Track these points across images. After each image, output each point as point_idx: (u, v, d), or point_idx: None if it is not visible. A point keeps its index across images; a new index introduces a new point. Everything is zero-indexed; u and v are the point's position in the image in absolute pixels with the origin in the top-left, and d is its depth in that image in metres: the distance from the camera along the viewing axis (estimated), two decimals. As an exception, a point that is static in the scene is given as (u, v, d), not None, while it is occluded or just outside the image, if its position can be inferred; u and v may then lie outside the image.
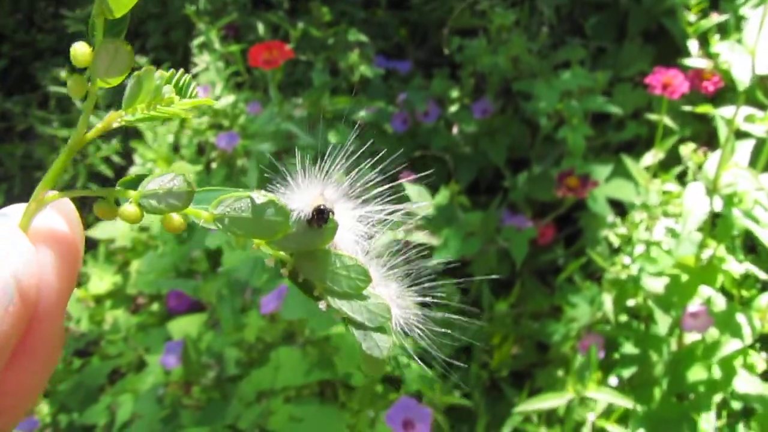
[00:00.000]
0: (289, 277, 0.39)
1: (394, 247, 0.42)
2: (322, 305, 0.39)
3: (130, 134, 2.57)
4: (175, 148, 2.32)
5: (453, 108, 2.06)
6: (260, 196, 0.36)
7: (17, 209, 0.35)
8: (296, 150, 0.40)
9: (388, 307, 0.39)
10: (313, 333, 1.43)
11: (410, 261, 0.42)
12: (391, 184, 0.41)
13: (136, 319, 2.02)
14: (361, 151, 0.41)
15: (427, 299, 0.41)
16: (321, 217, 0.37)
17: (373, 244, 0.40)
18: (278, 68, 1.91)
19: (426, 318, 0.41)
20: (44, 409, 2.01)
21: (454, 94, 2.10)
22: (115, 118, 0.37)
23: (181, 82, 0.38)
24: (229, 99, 2.21)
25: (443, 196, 1.59)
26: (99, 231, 2.20)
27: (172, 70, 0.38)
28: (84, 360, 2.06)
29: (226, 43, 2.33)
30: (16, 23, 3.48)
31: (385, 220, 0.41)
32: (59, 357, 0.36)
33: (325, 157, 0.40)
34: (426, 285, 0.42)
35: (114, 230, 2.18)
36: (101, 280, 2.21)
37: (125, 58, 0.36)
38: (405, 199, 0.42)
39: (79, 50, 0.36)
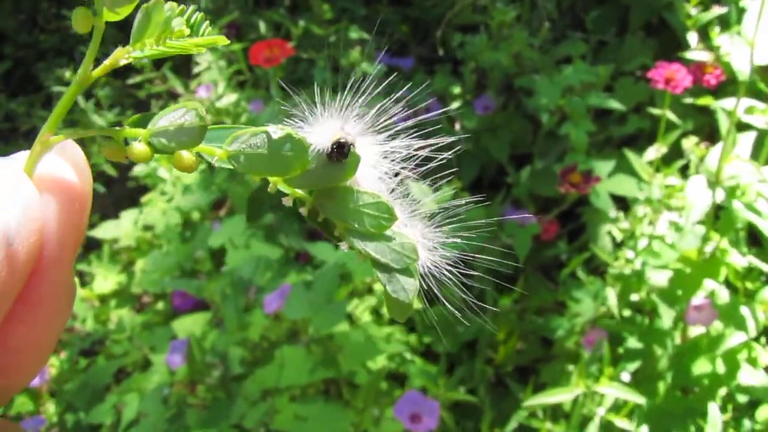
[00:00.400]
0: (308, 217, 0.37)
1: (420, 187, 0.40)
2: (343, 246, 0.37)
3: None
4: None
5: (455, 104, 2.06)
6: (277, 131, 0.34)
7: (24, 154, 0.34)
8: (314, 83, 0.38)
9: (414, 247, 0.36)
10: (317, 331, 1.43)
11: (438, 201, 0.40)
12: (415, 119, 0.39)
13: (141, 318, 2.03)
14: (382, 86, 0.39)
15: (456, 240, 0.39)
16: (341, 151, 0.35)
17: (398, 181, 0.38)
18: (279, 66, 1.91)
19: (453, 260, 0.39)
20: (50, 408, 2.02)
21: (456, 90, 2.10)
22: (122, 55, 0.35)
23: (193, 19, 0.36)
24: (231, 98, 2.22)
25: (446, 192, 1.58)
26: (102, 231, 2.20)
27: (182, 6, 0.36)
28: (90, 359, 2.06)
29: (227, 42, 2.32)
30: (19, 24, 3.49)
31: (411, 156, 0.38)
32: (69, 312, 0.35)
33: (346, 90, 0.38)
34: (454, 226, 0.39)
35: (118, 230, 2.19)
36: (106, 279, 2.22)
37: None
38: (429, 135, 0.40)
39: None
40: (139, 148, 0.34)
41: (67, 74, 2.27)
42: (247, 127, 0.35)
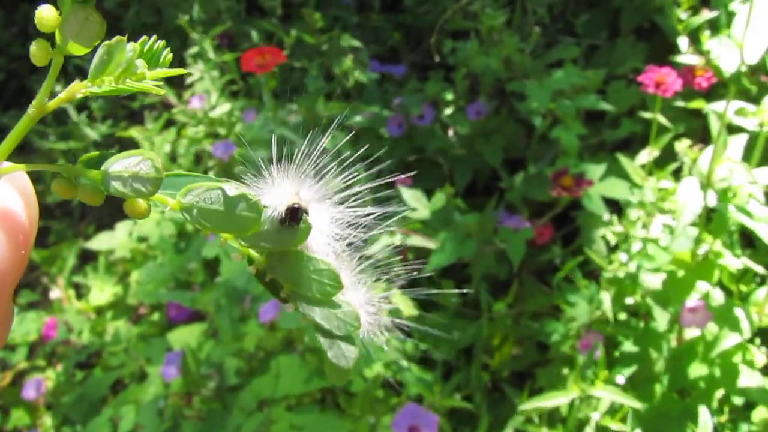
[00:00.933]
0: (256, 276, 0.38)
1: (365, 251, 0.40)
2: (288, 308, 0.38)
3: (124, 146, 2.58)
4: (173, 157, 2.32)
5: (448, 110, 2.06)
6: (232, 189, 0.34)
7: None
8: (272, 143, 0.38)
9: (357, 316, 0.37)
10: (312, 341, 1.43)
11: (384, 264, 0.41)
12: (369, 185, 0.40)
13: (137, 329, 2.02)
14: (345, 152, 0.40)
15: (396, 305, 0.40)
16: (294, 216, 0.36)
17: (346, 246, 0.39)
18: (272, 74, 1.91)
19: (397, 323, 0.40)
20: (47, 421, 2.02)
21: (449, 96, 2.11)
22: (79, 89, 0.35)
23: (154, 49, 0.36)
24: (224, 107, 2.22)
25: (439, 199, 1.59)
26: (98, 242, 2.20)
27: (144, 37, 0.36)
28: (86, 372, 2.06)
29: (220, 52, 2.33)
30: (11, 36, 3.49)
31: (361, 222, 0.39)
32: (3, 340, 0.34)
33: (303, 154, 0.38)
34: (404, 289, 0.40)
35: (113, 241, 2.19)
36: (102, 291, 2.22)
37: (96, 26, 0.34)
38: (386, 200, 0.41)
39: (45, 14, 0.34)
40: (89, 190, 0.35)
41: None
42: (204, 178, 0.36)
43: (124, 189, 0.34)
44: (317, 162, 0.38)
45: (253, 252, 0.37)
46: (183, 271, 1.90)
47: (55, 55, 0.34)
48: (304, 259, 0.37)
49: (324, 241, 0.38)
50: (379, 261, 0.41)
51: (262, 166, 0.38)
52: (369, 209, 0.39)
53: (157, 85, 0.36)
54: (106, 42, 0.34)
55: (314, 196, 0.38)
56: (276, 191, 0.37)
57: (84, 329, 2.12)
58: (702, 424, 1.05)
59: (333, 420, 1.35)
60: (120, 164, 0.34)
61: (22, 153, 3.03)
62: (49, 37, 0.35)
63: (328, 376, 0.38)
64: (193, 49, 2.27)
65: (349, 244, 0.39)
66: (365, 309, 0.39)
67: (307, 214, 0.36)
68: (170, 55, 0.37)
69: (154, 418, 1.52)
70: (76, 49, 0.34)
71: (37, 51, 0.34)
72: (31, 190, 0.35)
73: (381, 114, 2.03)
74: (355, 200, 0.39)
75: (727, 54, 1.14)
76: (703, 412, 1.06)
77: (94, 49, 0.35)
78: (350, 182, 0.39)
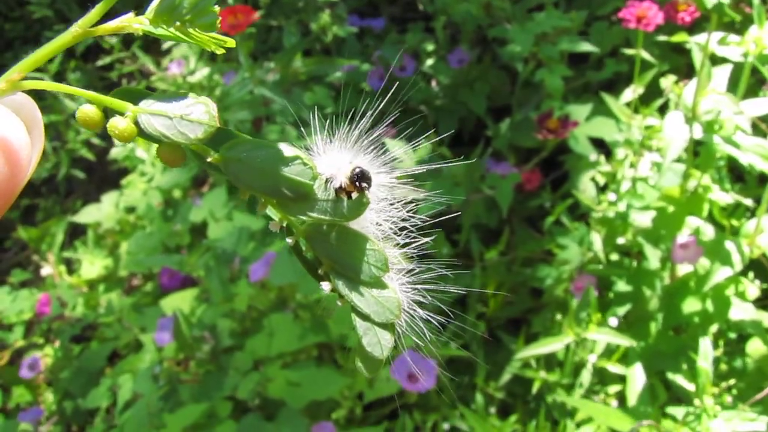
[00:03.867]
0: (292, 249, 0.35)
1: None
2: (325, 286, 0.35)
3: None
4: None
5: (429, 61, 2.03)
6: (287, 149, 0.32)
7: None
8: (314, 113, 0.36)
9: (399, 304, 0.35)
10: (304, 297, 1.42)
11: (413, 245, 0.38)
12: (416, 168, 0.37)
13: (130, 300, 2.02)
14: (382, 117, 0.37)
15: (427, 294, 0.37)
16: (358, 187, 0.33)
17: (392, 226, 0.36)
18: (249, 35, 1.87)
19: (425, 315, 0.37)
20: (49, 397, 2.02)
21: (430, 47, 2.07)
22: (133, 22, 0.32)
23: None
24: (203, 72, 2.18)
25: (424, 149, 1.57)
26: (84, 215, 2.18)
27: None
28: (83, 345, 2.06)
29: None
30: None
31: (404, 202, 0.36)
32: None
33: (353, 122, 0.36)
34: (427, 277, 0.37)
35: (100, 214, 2.17)
36: (92, 264, 2.20)
37: None
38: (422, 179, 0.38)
39: None
40: (121, 124, 0.31)
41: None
42: (252, 138, 0.33)
43: (167, 131, 0.31)
44: (361, 133, 0.36)
45: (295, 221, 0.35)
46: (172, 239, 1.88)
47: None
48: (350, 236, 0.34)
49: (372, 218, 0.35)
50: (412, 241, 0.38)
51: (306, 133, 0.35)
52: (415, 192, 0.37)
53: (217, 41, 0.33)
54: None
55: (368, 167, 0.35)
56: (330, 159, 0.34)
57: (77, 303, 2.11)
58: (702, 353, 1.05)
59: (330, 375, 1.35)
60: (166, 104, 0.31)
61: None
62: None
63: (360, 365, 0.36)
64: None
65: (395, 224, 0.36)
66: (403, 294, 0.36)
67: (369, 184, 0.34)
68: (169, 65, 0.34)
69: (151, 384, 1.52)
70: None
71: None
72: (37, 113, 0.33)
73: (361, 68, 2.00)
74: (402, 176, 0.36)
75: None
76: (703, 342, 1.06)
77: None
78: (393, 156, 0.36)
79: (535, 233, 1.81)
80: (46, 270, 2.36)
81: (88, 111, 0.31)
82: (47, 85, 0.32)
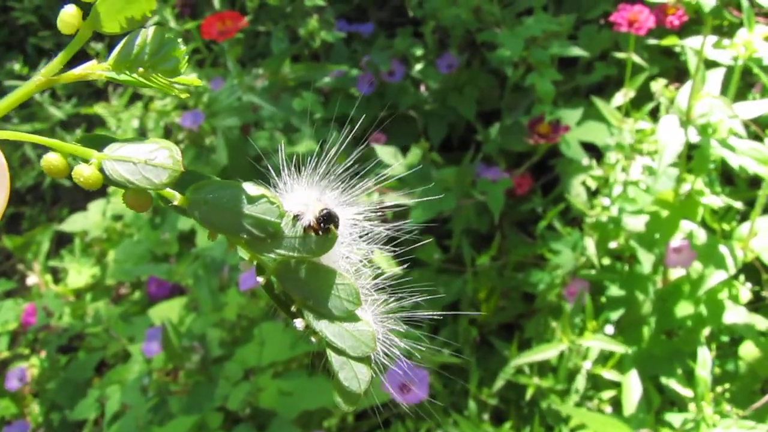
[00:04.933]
0: (264, 287, 0.35)
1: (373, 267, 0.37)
2: (298, 323, 0.35)
3: (93, 123, 2.52)
4: (142, 132, 2.27)
5: (418, 66, 2.02)
6: (252, 188, 0.32)
7: None
8: (281, 148, 0.36)
9: (373, 336, 0.34)
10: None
11: (389, 282, 0.37)
12: (385, 204, 0.38)
13: (117, 309, 1.99)
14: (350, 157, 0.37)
15: (404, 326, 0.37)
16: (326, 224, 0.33)
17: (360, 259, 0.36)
18: (236, 40, 1.85)
19: (405, 345, 0.37)
20: (35, 409, 1.99)
21: (419, 52, 2.06)
22: (96, 69, 0.32)
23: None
24: (190, 77, 2.16)
25: (415, 154, 1.56)
26: (71, 224, 2.15)
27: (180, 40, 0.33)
28: (70, 356, 2.03)
29: (181, 21, 2.26)
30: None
31: (374, 232, 0.36)
32: None
33: (319, 157, 0.36)
34: (404, 311, 0.37)
35: (86, 222, 2.14)
36: (79, 273, 2.17)
37: (147, 4, 0.31)
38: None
39: None
40: (86, 171, 0.31)
41: (17, 66, 2.20)
42: (217, 179, 0.33)
43: (132, 177, 0.31)
44: (329, 167, 0.36)
45: (264, 261, 0.35)
46: (160, 247, 1.86)
47: (85, 27, 0.31)
48: (320, 271, 0.34)
49: (342, 252, 0.35)
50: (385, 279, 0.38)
51: (272, 169, 0.35)
52: (382, 225, 0.37)
53: (181, 84, 0.34)
54: (145, 29, 0.32)
55: (335, 204, 0.35)
56: (297, 196, 0.35)
57: (64, 313, 2.08)
58: (701, 361, 1.05)
59: (321, 384, 1.33)
60: (129, 149, 0.31)
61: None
62: (84, 6, 0.32)
63: (337, 399, 0.36)
64: (154, 19, 2.20)
65: (364, 256, 0.37)
66: (378, 326, 0.36)
67: (337, 225, 0.34)
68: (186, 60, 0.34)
69: (140, 396, 1.49)
70: (110, 27, 0.31)
71: (68, 18, 0.31)
72: (2, 160, 0.32)
73: (350, 73, 1.98)
74: (369, 208, 0.36)
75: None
76: (701, 350, 1.06)
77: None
78: (360, 188, 0.37)
79: (526, 238, 1.80)
80: (31, 279, 2.33)
81: (52, 160, 0.32)
82: (12, 134, 0.32)
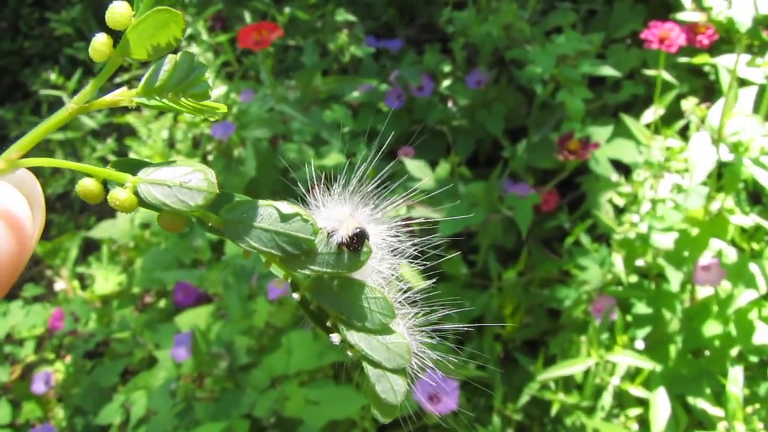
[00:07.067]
0: (300, 303, 0.36)
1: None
2: (335, 338, 0.35)
3: (123, 132, 2.55)
4: (171, 143, 2.30)
5: (446, 82, 2.04)
6: (287, 207, 0.33)
7: None
8: (310, 163, 0.38)
9: (409, 348, 0.35)
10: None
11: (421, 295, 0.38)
12: (413, 219, 0.39)
13: (144, 316, 2.01)
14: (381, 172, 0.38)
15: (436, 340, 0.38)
16: (359, 241, 0.34)
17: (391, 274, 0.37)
18: (269, 52, 1.88)
19: (436, 356, 0.38)
20: (59, 413, 2.01)
21: (447, 68, 2.08)
22: (128, 97, 0.33)
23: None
24: (220, 90, 2.19)
25: (443, 169, 1.57)
26: (99, 231, 2.18)
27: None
28: (95, 361, 2.05)
29: (213, 34, 2.30)
30: (2, 32, 3.45)
31: (403, 247, 0.37)
32: None
33: (350, 171, 0.37)
34: (435, 319, 0.38)
35: (114, 230, 2.17)
36: (106, 280, 2.20)
37: (175, 31, 0.32)
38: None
39: (118, 9, 0.32)
40: (121, 195, 0.32)
41: (53, 76, 2.24)
42: (250, 199, 0.34)
43: (167, 200, 0.32)
44: (360, 181, 0.37)
45: (299, 276, 0.35)
46: (187, 255, 1.88)
47: (115, 55, 0.32)
48: (354, 286, 0.35)
49: (374, 267, 0.36)
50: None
51: (308, 190, 0.36)
52: (410, 237, 0.38)
53: (210, 107, 0.34)
54: (173, 55, 0.33)
55: (367, 220, 0.36)
56: (330, 213, 0.35)
57: (90, 319, 2.11)
58: (732, 378, 1.04)
59: (348, 394, 1.34)
60: (164, 173, 0.32)
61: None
62: (114, 34, 0.33)
63: (375, 411, 0.36)
64: (186, 32, 2.24)
65: (394, 270, 0.37)
66: (411, 338, 0.37)
67: (368, 239, 0.35)
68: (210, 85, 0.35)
69: (167, 401, 1.50)
70: (140, 54, 0.32)
71: (99, 46, 0.32)
72: (38, 189, 0.34)
73: (379, 88, 2.00)
74: (397, 225, 0.37)
75: (739, 5, 1.11)
76: (733, 369, 1.05)
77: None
78: (390, 203, 0.38)
79: (551, 254, 1.80)
80: (59, 285, 2.36)
81: (87, 185, 0.33)
82: (46, 162, 0.33)
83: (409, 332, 0.37)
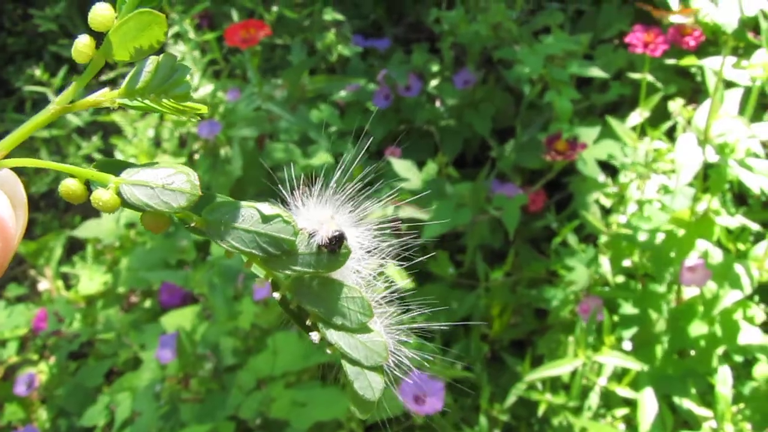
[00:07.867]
0: (280, 303, 0.37)
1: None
2: (314, 336, 0.36)
3: (109, 130, 2.53)
4: (157, 142, 2.28)
5: (434, 81, 2.03)
6: (267, 208, 0.33)
7: None
8: (290, 167, 0.38)
9: (386, 346, 0.36)
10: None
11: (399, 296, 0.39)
12: (399, 219, 0.39)
13: (129, 316, 1.99)
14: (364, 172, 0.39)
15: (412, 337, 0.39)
16: (339, 242, 0.35)
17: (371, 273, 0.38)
18: (256, 50, 1.87)
19: (416, 356, 0.39)
20: (43, 415, 1.99)
21: (435, 68, 2.08)
22: (110, 98, 0.34)
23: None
24: (207, 88, 2.18)
25: (431, 168, 1.56)
26: (84, 230, 2.16)
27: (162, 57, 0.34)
28: (79, 362, 2.03)
29: (200, 32, 2.28)
30: (-15, 29, 3.42)
31: (387, 247, 0.38)
32: None
33: (331, 175, 0.37)
34: (410, 319, 0.39)
35: (99, 229, 2.15)
36: (91, 280, 2.18)
37: (158, 33, 0.32)
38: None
39: (100, 12, 0.32)
40: (104, 196, 0.32)
41: (37, 72, 2.22)
42: (231, 200, 0.34)
43: (150, 201, 0.32)
44: (344, 182, 0.38)
45: (279, 276, 0.36)
46: (173, 255, 1.86)
47: (98, 56, 0.33)
48: (334, 285, 0.36)
49: (353, 267, 0.37)
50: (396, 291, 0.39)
51: (283, 188, 0.37)
52: (391, 239, 0.39)
53: (192, 108, 0.35)
54: (155, 57, 0.33)
55: (347, 222, 0.37)
56: (311, 214, 0.36)
57: (75, 319, 2.09)
58: (721, 379, 1.04)
59: (334, 395, 1.33)
60: (147, 174, 0.33)
61: None
62: (97, 36, 0.33)
63: (353, 407, 0.37)
64: (173, 30, 2.22)
65: (376, 270, 0.38)
66: (389, 336, 0.38)
67: (347, 240, 0.35)
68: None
69: (152, 403, 1.49)
70: (122, 55, 0.33)
71: (82, 48, 0.32)
72: (20, 188, 0.34)
73: (366, 87, 2.00)
74: (377, 226, 0.38)
75: (725, 6, 1.11)
76: (722, 369, 1.05)
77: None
78: (374, 203, 0.38)
79: (538, 254, 1.80)
80: (43, 285, 2.34)
81: (70, 185, 0.33)
82: (29, 162, 0.34)
83: (387, 331, 0.37)
